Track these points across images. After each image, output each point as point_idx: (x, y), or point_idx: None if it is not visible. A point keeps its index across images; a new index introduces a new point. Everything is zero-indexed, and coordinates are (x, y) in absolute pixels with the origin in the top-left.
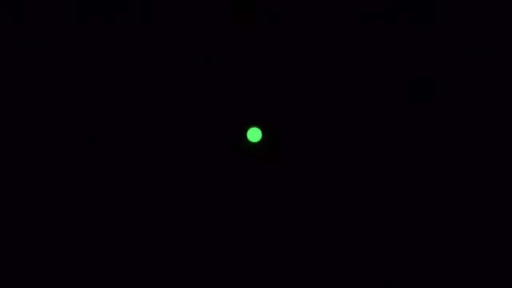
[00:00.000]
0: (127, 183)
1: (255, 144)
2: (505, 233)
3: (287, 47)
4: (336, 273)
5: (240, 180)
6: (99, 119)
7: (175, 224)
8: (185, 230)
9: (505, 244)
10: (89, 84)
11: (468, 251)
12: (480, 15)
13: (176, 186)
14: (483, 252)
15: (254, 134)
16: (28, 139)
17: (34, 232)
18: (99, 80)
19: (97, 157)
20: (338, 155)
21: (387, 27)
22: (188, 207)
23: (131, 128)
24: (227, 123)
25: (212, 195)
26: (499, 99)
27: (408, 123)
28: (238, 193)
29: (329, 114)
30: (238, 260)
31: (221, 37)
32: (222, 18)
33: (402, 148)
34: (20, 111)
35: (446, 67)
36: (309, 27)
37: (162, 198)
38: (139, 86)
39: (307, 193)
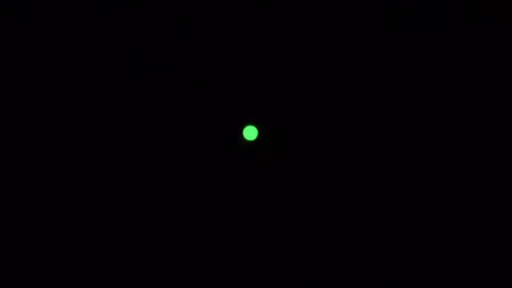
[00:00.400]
0: (122, 180)
1: (251, 142)
2: (505, 233)
3: (282, 46)
4: (331, 271)
5: (237, 178)
6: (94, 116)
7: (171, 222)
8: (180, 227)
9: (505, 244)
10: (84, 82)
11: (468, 251)
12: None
13: (173, 183)
14: (483, 252)
15: (250, 132)
16: (28, 139)
17: (34, 232)
18: (94, 78)
19: (92, 152)
20: (334, 153)
21: (381, 25)
22: (184, 204)
23: (127, 126)
24: (224, 121)
25: (209, 192)
26: (499, 99)
27: (402, 119)
28: (234, 191)
29: (324, 112)
30: (233, 258)
31: (218, 36)
32: (217, 16)
33: (397, 146)
34: (20, 111)
35: (445, 68)
36: (303, 24)
37: (158, 195)
38: (136, 84)
39: (303, 191)
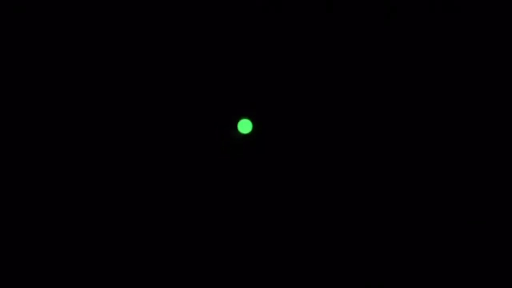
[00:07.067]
0: (116, 175)
1: (245, 135)
2: (505, 233)
3: (276, 41)
4: (324, 266)
5: (231, 171)
6: (86, 113)
7: (166, 216)
8: (176, 221)
9: (505, 244)
10: (78, 79)
11: (468, 251)
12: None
13: (168, 177)
14: (483, 252)
15: (245, 126)
16: (28, 139)
17: (34, 232)
18: (85, 76)
19: (84, 147)
20: (328, 146)
21: (377, 24)
22: (180, 197)
23: (123, 121)
24: (218, 115)
25: (204, 185)
26: (499, 99)
27: (396, 115)
28: (229, 184)
29: (318, 105)
30: (229, 252)
31: (212, 31)
32: (211, 12)
33: (392, 141)
34: (20, 111)
35: (444, 68)
36: (297, 20)
37: (153, 190)
38: (130, 79)
39: (298, 184)
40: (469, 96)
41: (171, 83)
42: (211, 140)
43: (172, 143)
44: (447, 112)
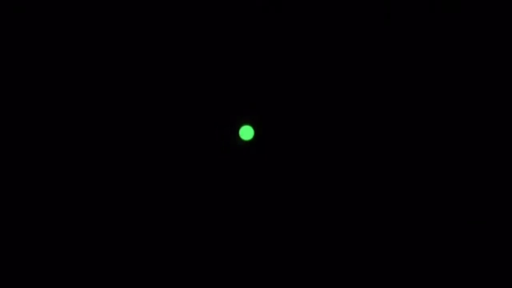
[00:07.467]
0: (119, 180)
1: (247, 142)
2: (505, 233)
3: (277, 45)
4: (327, 271)
5: (233, 178)
6: (90, 115)
7: (167, 222)
8: (177, 228)
9: (505, 244)
10: (80, 81)
11: (468, 251)
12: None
13: (168, 183)
14: (483, 252)
15: (247, 132)
16: (28, 139)
17: (34, 232)
18: (89, 78)
19: (88, 152)
20: (330, 152)
21: (381, 25)
22: (181, 204)
23: (122, 126)
24: (220, 121)
25: (205, 192)
26: (499, 99)
27: (400, 119)
28: (231, 191)
29: (321, 111)
30: (230, 258)
31: (213, 36)
32: (214, 16)
33: (395, 146)
34: (20, 111)
35: (445, 67)
36: (299, 24)
37: (154, 196)
38: (131, 84)
39: (300, 190)
40: (469, 96)
41: (173, 86)
42: (212, 146)
43: (172, 149)
44: (447, 112)
